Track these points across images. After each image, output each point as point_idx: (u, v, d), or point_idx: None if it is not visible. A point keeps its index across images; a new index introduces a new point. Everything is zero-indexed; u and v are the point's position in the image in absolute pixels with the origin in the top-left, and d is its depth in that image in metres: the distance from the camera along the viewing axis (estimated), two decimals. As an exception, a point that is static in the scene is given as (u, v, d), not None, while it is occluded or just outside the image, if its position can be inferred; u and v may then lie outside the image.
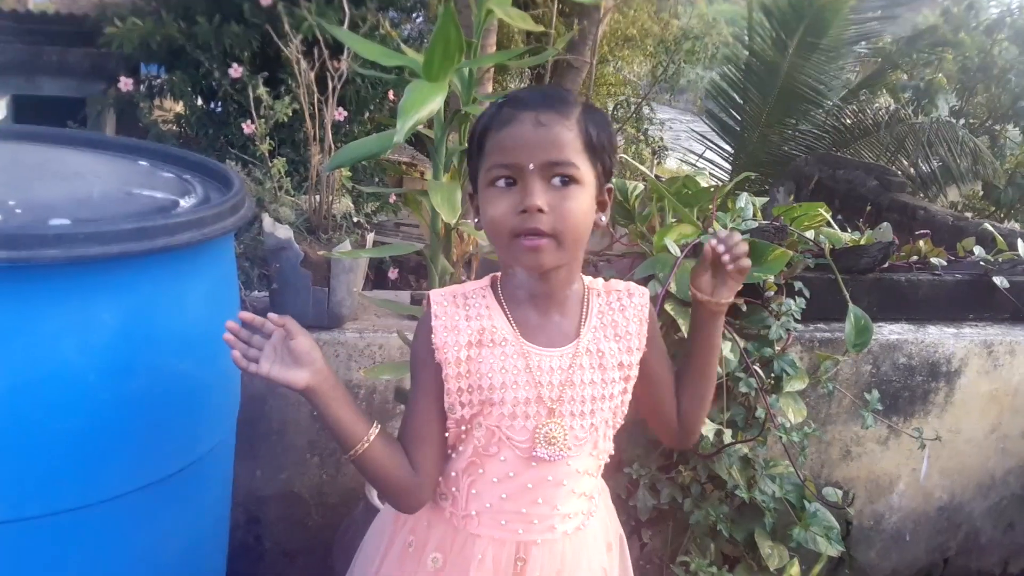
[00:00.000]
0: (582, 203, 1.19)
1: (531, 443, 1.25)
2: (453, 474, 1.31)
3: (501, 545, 1.29)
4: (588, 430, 1.28)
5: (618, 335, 1.31)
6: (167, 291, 1.46)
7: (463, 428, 1.28)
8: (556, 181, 1.18)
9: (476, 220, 1.27)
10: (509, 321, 1.27)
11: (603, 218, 1.26)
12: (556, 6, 6.41)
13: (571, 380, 1.27)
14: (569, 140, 1.18)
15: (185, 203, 1.58)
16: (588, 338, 1.29)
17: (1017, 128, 6.22)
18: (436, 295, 1.30)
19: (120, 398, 1.39)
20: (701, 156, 7.25)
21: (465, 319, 1.27)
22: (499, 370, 1.25)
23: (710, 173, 6.96)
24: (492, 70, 3.71)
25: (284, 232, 2.11)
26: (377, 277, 4.95)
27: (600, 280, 1.35)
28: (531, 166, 1.16)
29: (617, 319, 1.32)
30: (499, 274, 1.33)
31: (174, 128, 4.82)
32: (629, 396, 1.33)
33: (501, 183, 1.19)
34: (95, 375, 1.36)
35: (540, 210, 1.16)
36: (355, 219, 2.29)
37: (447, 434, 1.30)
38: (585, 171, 1.20)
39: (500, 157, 1.18)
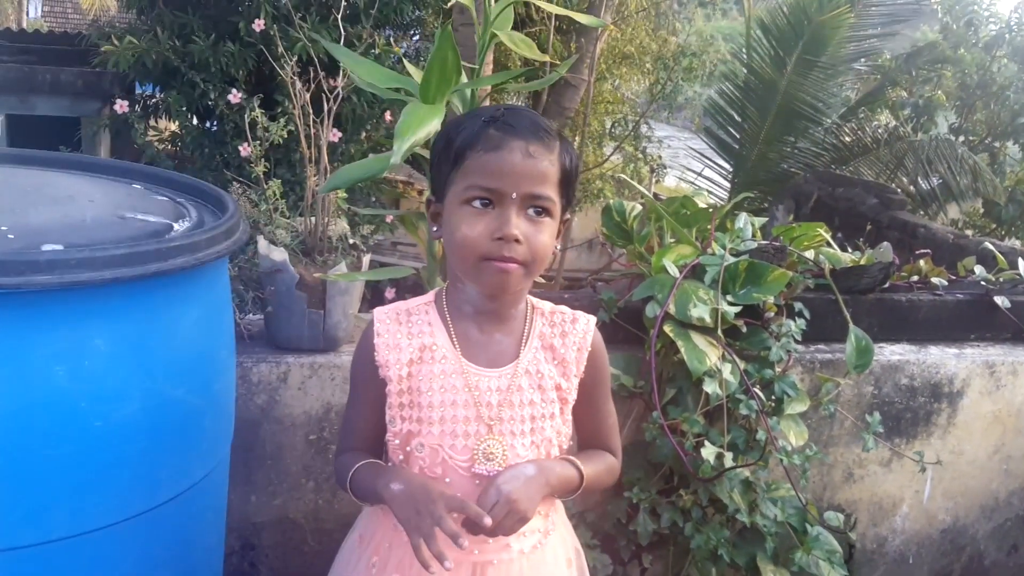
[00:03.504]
0: (551, 235, 1.24)
1: (470, 460, 1.27)
2: None
3: (458, 567, 1.28)
4: (529, 448, 1.30)
5: (555, 359, 1.33)
6: (160, 316, 1.44)
7: (397, 442, 1.30)
8: (531, 211, 1.21)
9: (435, 228, 1.29)
10: (450, 338, 1.30)
11: (557, 246, 1.28)
12: (553, 23, 6.42)
13: (510, 400, 1.29)
14: (551, 174, 1.21)
15: (179, 227, 1.57)
16: (528, 358, 1.31)
17: (1017, 145, 6.22)
18: (380, 313, 1.34)
19: (112, 425, 1.37)
20: (700, 174, 7.25)
21: (407, 336, 1.30)
22: (438, 388, 1.28)
23: (708, 191, 6.96)
24: (490, 87, 3.71)
25: (279, 254, 2.09)
26: (374, 296, 4.94)
27: (548, 303, 1.37)
28: (514, 195, 1.19)
29: (556, 343, 1.33)
30: (444, 287, 1.35)
31: (169, 147, 4.82)
32: (570, 417, 1.35)
33: (477, 204, 1.20)
34: (87, 402, 1.34)
35: (517, 240, 1.18)
36: (351, 240, 2.27)
37: (386, 447, 1.34)
38: (557, 203, 1.23)
39: (484, 179, 1.19)
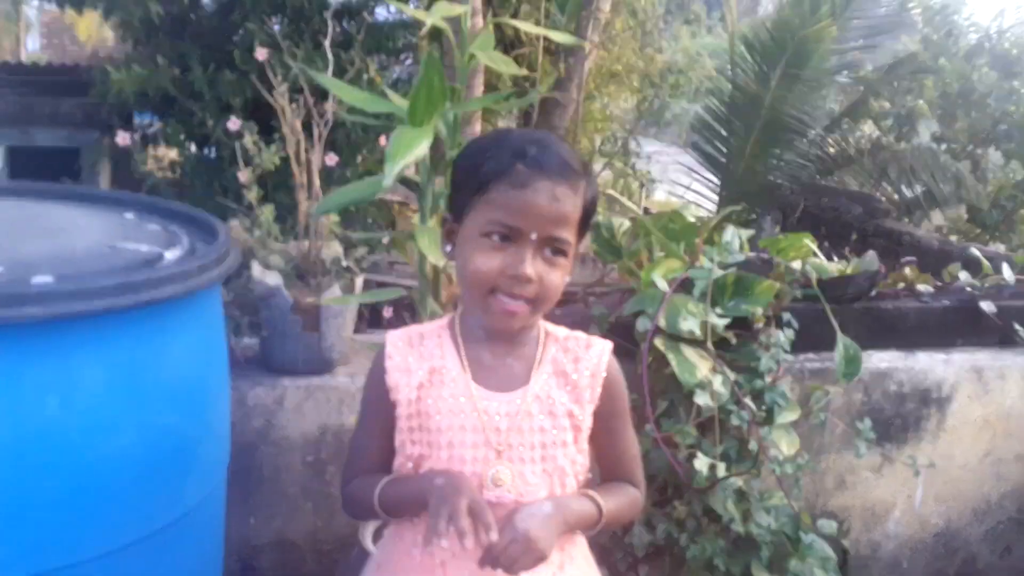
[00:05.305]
0: (564, 273, 1.23)
1: (479, 486, 1.25)
2: (415, 520, 1.31)
3: None
4: (541, 476, 1.27)
5: (568, 384, 1.30)
6: (152, 345, 1.46)
7: (411, 465, 1.29)
8: (548, 252, 1.20)
9: (449, 248, 1.29)
10: (461, 362, 1.29)
11: (566, 279, 1.26)
12: (542, 44, 6.47)
13: (519, 426, 1.27)
14: (573, 217, 1.21)
15: (170, 255, 1.58)
16: (539, 384, 1.29)
17: (999, 151, 6.26)
18: (392, 336, 1.33)
19: (106, 455, 1.39)
20: (689, 188, 7.28)
21: (418, 359, 1.30)
22: (446, 412, 1.27)
23: (698, 205, 6.98)
24: (480, 109, 3.75)
25: (273, 279, 2.12)
26: (372, 315, 4.94)
27: (563, 329, 1.36)
28: (534, 236, 1.18)
29: (568, 369, 1.31)
30: (459, 311, 1.34)
31: (170, 175, 4.83)
32: (586, 447, 1.32)
33: (496, 238, 1.19)
34: (80, 433, 1.36)
35: (529, 280, 1.18)
36: (344, 263, 2.29)
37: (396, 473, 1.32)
38: (573, 244, 1.23)
39: (505, 216, 1.18)
